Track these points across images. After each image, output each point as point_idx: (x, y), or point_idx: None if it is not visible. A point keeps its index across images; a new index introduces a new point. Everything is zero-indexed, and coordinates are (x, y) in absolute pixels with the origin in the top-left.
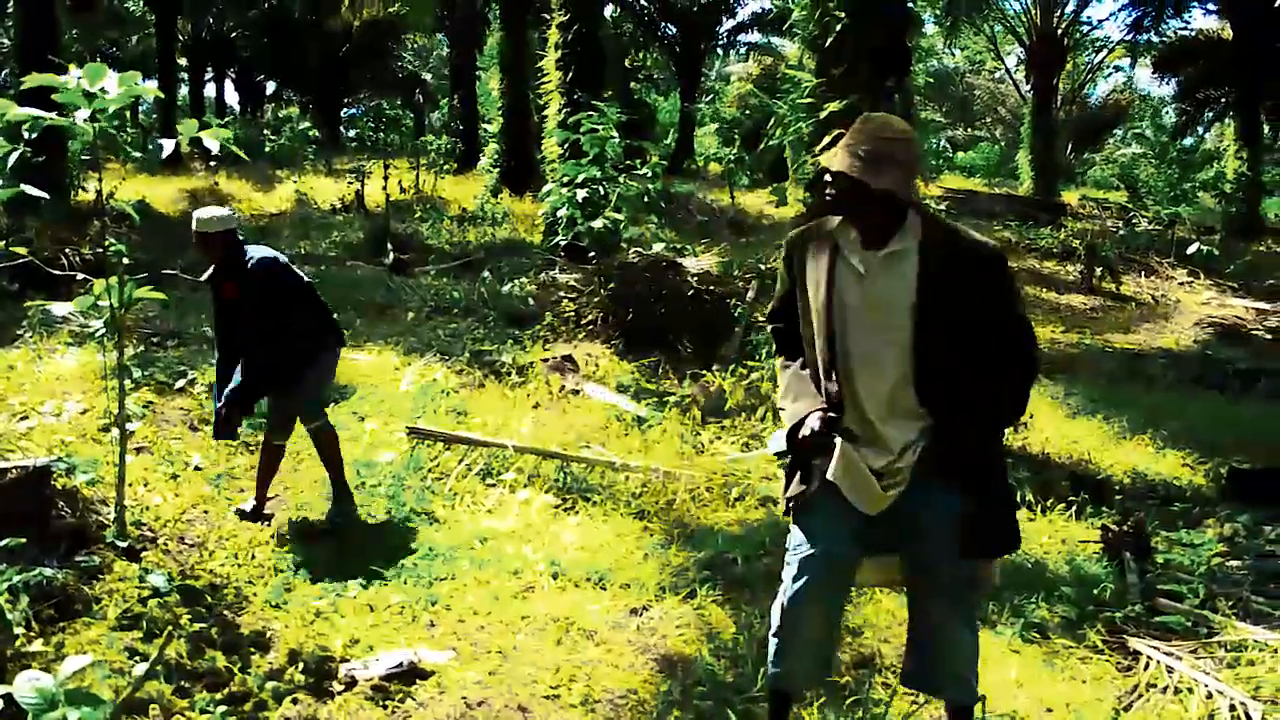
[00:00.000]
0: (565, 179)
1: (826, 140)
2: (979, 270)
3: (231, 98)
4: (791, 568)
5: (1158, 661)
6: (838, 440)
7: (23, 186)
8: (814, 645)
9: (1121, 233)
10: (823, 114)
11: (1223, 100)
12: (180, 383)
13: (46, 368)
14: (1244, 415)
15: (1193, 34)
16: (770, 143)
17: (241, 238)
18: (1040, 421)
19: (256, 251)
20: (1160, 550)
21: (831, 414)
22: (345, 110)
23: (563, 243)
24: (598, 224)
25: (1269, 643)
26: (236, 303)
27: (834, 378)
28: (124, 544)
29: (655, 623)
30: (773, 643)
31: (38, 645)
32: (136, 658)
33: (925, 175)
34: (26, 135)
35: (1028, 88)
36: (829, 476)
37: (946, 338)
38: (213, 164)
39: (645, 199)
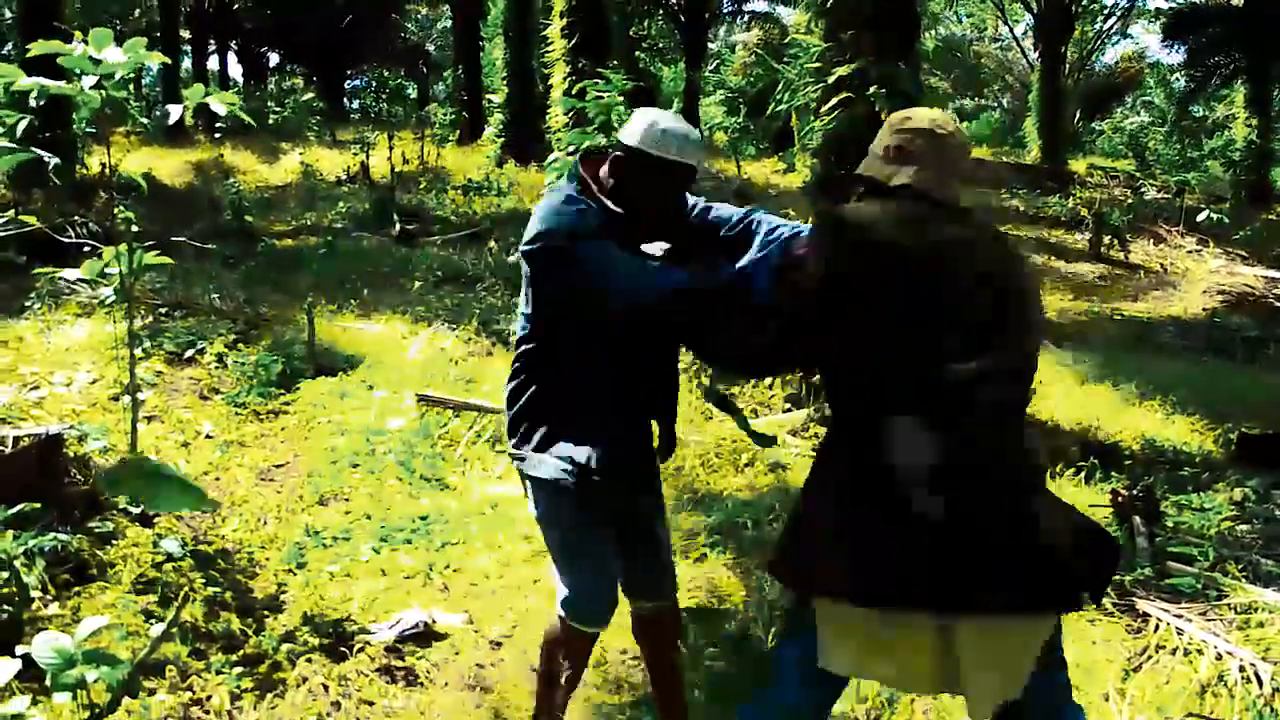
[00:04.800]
0: (570, 147)
1: (832, 104)
2: None
3: (234, 70)
4: None
5: (1167, 623)
6: None
7: (33, 150)
8: None
9: (1130, 201)
10: (830, 79)
11: (1232, 67)
12: (189, 353)
13: (55, 339)
14: (1253, 382)
15: (1202, 0)
16: (777, 109)
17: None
18: (1050, 388)
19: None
20: (1170, 515)
21: None
22: (348, 82)
23: None
24: None
25: (1279, 604)
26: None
27: None
28: (137, 510)
29: None
30: None
31: (54, 609)
32: (152, 620)
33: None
34: (34, 104)
35: (1035, 55)
36: None
37: None
38: (217, 136)
39: None
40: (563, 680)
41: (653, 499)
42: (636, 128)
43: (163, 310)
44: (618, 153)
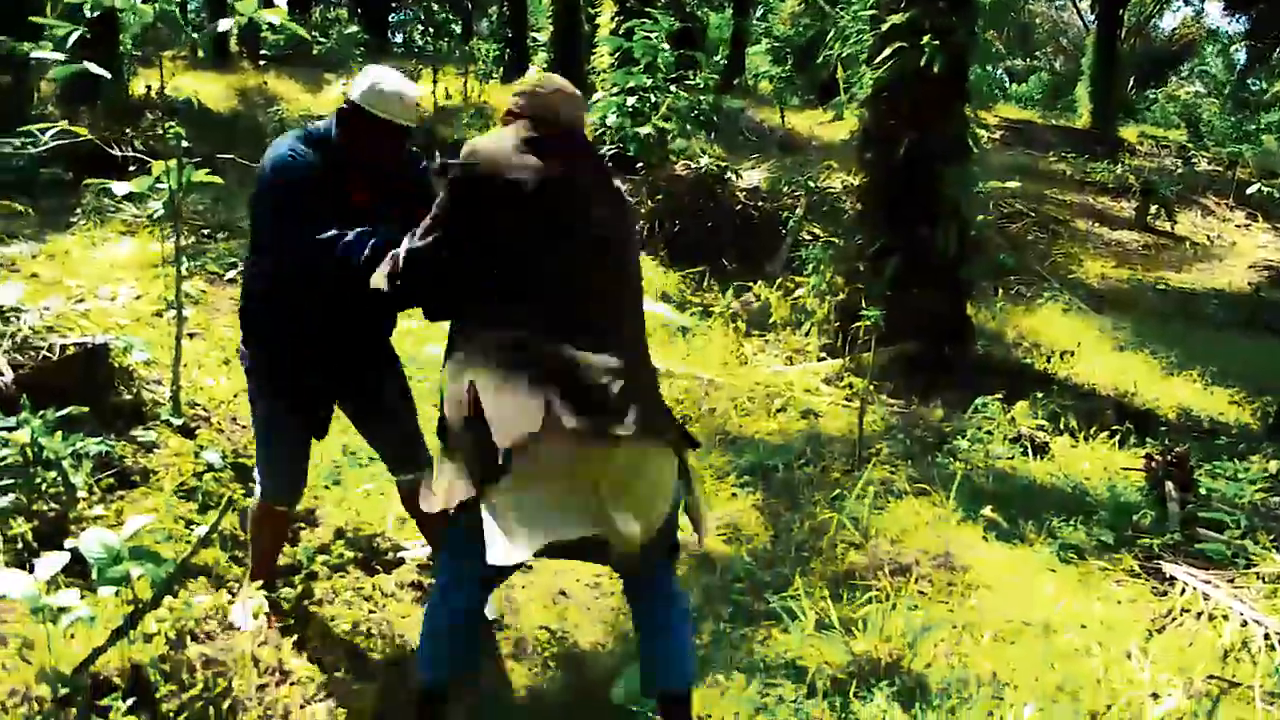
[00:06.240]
0: (614, 87)
1: (887, 53)
2: None
3: (279, 0)
4: None
5: (1194, 588)
6: None
7: (85, 65)
8: None
9: (1180, 171)
10: (884, 27)
11: None
12: (231, 273)
13: (101, 254)
14: None
15: None
16: (827, 54)
17: None
18: (1087, 353)
19: None
20: (1203, 482)
21: None
22: (393, 14)
23: (610, 152)
24: (645, 130)
25: None
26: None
27: None
28: (179, 421)
29: None
30: None
31: (99, 510)
32: (193, 527)
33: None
34: (87, 15)
35: (1091, 18)
36: None
37: None
38: (262, 63)
39: (696, 113)
40: (267, 548)
41: (373, 386)
42: (360, 85)
43: (205, 231)
44: (343, 106)
